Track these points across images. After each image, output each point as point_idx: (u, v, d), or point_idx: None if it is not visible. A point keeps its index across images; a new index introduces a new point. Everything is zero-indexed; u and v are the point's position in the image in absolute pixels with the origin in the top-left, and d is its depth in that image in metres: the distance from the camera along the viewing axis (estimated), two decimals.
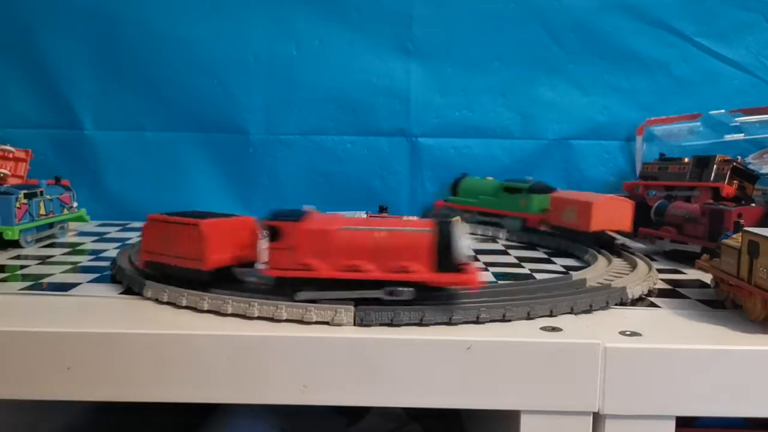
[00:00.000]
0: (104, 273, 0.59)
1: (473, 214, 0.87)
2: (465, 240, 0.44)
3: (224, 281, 0.49)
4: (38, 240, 0.75)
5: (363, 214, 0.74)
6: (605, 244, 0.68)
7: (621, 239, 0.71)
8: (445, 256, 0.43)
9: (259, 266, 0.50)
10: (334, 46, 0.95)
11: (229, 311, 0.46)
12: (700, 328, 0.46)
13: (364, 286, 0.44)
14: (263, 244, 0.47)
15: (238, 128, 0.96)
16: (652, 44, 0.95)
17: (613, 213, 0.68)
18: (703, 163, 0.77)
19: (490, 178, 0.90)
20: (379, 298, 0.44)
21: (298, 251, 0.44)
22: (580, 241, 0.71)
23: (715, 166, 0.75)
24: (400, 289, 0.44)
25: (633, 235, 0.72)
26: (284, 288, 0.46)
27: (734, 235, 0.50)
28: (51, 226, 0.77)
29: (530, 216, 0.80)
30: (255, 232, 0.51)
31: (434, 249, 0.43)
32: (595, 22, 0.94)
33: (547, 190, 0.79)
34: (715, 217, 0.64)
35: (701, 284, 0.59)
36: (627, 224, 0.68)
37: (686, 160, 0.80)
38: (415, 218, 0.48)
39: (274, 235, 0.45)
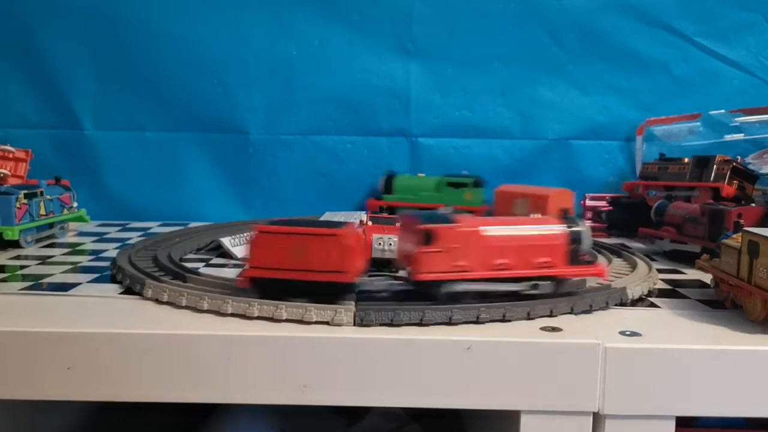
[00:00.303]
0: (104, 273, 0.59)
1: (407, 210, 0.88)
2: (589, 237, 0.49)
3: (355, 292, 0.48)
4: (38, 240, 0.75)
5: (363, 215, 0.74)
6: None
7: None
8: (575, 251, 0.48)
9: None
10: (334, 47, 0.95)
11: (229, 311, 0.46)
12: (700, 328, 0.46)
13: (506, 281, 0.48)
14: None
15: (238, 128, 0.96)
16: (652, 44, 0.95)
17: (561, 203, 0.74)
18: (703, 163, 0.77)
19: (422, 175, 0.92)
20: (517, 291, 0.48)
21: (452, 253, 0.46)
22: None
23: (715, 166, 0.75)
24: (543, 283, 0.48)
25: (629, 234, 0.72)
26: (431, 291, 0.46)
27: (734, 235, 0.50)
28: (51, 226, 0.77)
29: (476, 208, 0.86)
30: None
31: (568, 245, 0.48)
32: (595, 22, 0.94)
33: (485, 183, 0.88)
34: (715, 217, 0.64)
35: (701, 284, 0.59)
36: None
37: (686, 160, 0.80)
38: (540, 216, 0.52)
39: (428, 239, 0.45)
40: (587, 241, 0.49)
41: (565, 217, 0.49)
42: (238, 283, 0.47)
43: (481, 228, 0.47)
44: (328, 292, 0.46)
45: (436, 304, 0.45)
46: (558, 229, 0.48)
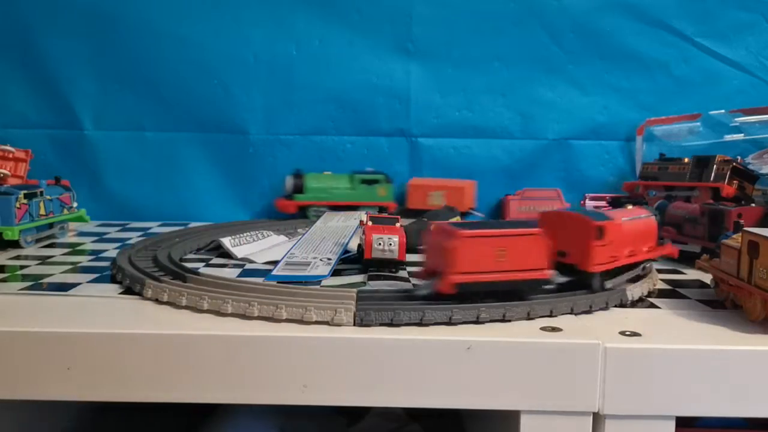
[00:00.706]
0: (104, 273, 0.59)
1: (321, 209, 0.90)
2: None
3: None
4: (38, 240, 0.75)
5: (363, 215, 0.73)
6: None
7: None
8: (660, 235, 0.58)
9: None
10: (334, 47, 0.95)
11: (229, 311, 0.46)
12: (700, 328, 0.46)
13: (629, 267, 0.54)
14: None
15: (238, 128, 0.96)
16: (652, 44, 0.95)
17: (471, 194, 0.91)
18: (703, 163, 0.77)
19: (328, 173, 0.93)
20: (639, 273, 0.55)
21: (612, 246, 0.51)
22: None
23: (714, 166, 0.75)
24: (648, 265, 0.57)
25: None
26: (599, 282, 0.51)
27: (734, 236, 0.50)
28: (51, 226, 0.77)
29: (388, 204, 0.91)
30: None
31: (656, 231, 0.57)
32: (595, 22, 0.94)
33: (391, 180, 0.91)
34: (715, 217, 0.64)
35: (701, 284, 0.59)
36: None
37: (686, 160, 0.80)
38: (631, 207, 0.58)
39: (600, 234, 0.49)
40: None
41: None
42: (441, 287, 0.46)
43: (623, 220, 0.52)
44: (528, 290, 0.48)
45: (436, 304, 0.45)
46: (650, 216, 0.56)
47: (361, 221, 0.65)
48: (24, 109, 0.95)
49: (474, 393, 0.42)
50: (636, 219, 0.54)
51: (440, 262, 0.46)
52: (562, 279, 0.51)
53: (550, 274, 0.48)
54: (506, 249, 0.46)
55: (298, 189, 0.91)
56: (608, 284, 0.51)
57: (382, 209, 0.90)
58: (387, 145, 0.97)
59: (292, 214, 0.91)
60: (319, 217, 0.86)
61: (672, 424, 0.43)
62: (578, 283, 0.51)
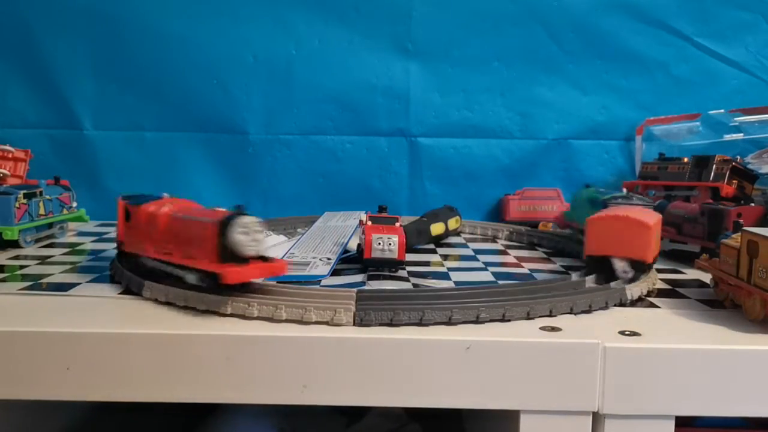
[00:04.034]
0: (103, 273, 0.59)
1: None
2: None
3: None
4: (37, 240, 0.75)
5: (363, 215, 0.73)
6: None
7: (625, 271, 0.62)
8: None
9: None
10: (334, 46, 0.95)
11: (229, 311, 0.46)
12: (700, 328, 0.46)
13: None
14: None
15: (237, 128, 0.96)
16: (651, 44, 0.95)
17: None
18: (702, 162, 0.77)
19: (593, 188, 0.78)
20: None
21: None
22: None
23: (714, 165, 0.75)
24: None
25: None
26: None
27: (734, 235, 0.50)
28: (50, 226, 0.77)
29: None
30: None
31: None
32: (594, 22, 0.94)
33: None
34: (715, 216, 0.64)
35: (701, 284, 0.59)
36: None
37: (685, 159, 0.80)
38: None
39: None
40: None
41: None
42: None
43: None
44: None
45: (436, 304, 0.45)
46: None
47: (360, 221, 0.65)
48: (23, 109, 0.95)
49: (474, 393, 0.42)
50: (177, 216, 0.51)
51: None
52: None
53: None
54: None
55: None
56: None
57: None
58: (386, 145, 0.97)
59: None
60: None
61: (671, 424, 0.43)
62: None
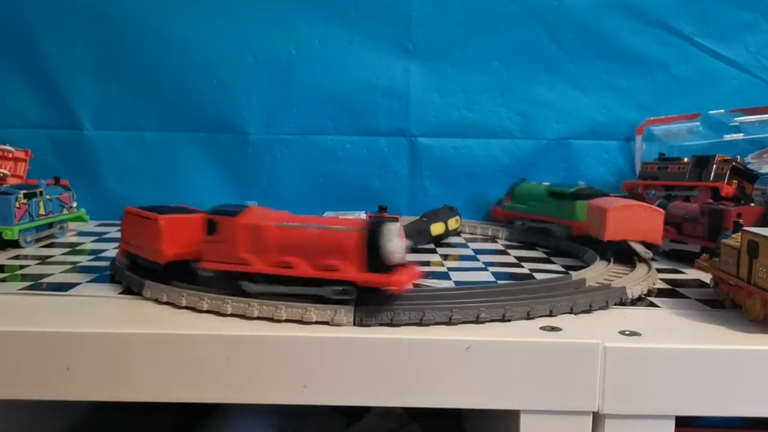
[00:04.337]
0: (104, 273, 0.59)
1: (521, 221, 0.84)
2: None
3: None
4: (38, 240, 0.75)
5: (362, 215, 0.73)
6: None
7: (645, 253, 0.62)
8: None
9: None
10: (334, 46, 0.95)
11: (229, 311, 0.46)
12: (700, 327, 0.46)
13: None
14: None
15: (237, 128, 0.96)
16: (651, 44, 0.95)
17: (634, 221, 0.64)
18: (702, 162, 0.77)
19: (546, 184, 0.84)
20: None
21: None
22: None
23: (714, 165, 0.75)
24: None
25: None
26: None
27: (734, 235, 0.50)
28: (50, 226, 0.77)
29: (574, 223, 0.73)
30: None
31: None
32: (594, 22, 0.94)
33: (594, 195, 0.72)
34: (715, 216, 0.64)
35: (701, 284, 0.59)
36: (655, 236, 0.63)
37: (685, 159, 0.80)
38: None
39: None
40: None
41: None
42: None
43: None
44: None
45: (436, 304, 0.45)
46: None
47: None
48: (23, 109, 0.95)
49: (474, 393, 0.42)
50: (297, 226, 0.47)
51: None
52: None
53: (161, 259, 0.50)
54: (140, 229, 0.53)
55: (511, 197, 0.88)
56: None
57: (569, 228, 0.75)
58: (386, 145, 0.97)
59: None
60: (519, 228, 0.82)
61: (671, 424, 0.43)
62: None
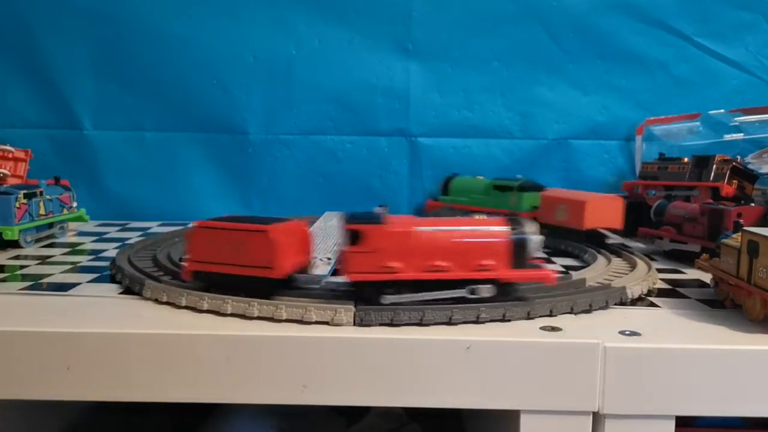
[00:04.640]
0: (104, 273, 0.59)
1: (463, 213, 0.88)
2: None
3: None
4: (38, 240, 0.75)
5: None
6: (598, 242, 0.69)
7: (614, 237, 0.68)
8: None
9: None
10: (334, 46, 0.95)
11: (229, 311, 0.46)
12: (700, 327, 0.46)
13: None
14: None
15: (237, 128, 0.96)
16: (651, 44, 0.95)
17: (606, 211, 0.70)
18: (702, 162, 0.77)
19: (481, 177, 0.90)
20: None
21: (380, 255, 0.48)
22: (571, 239, 0.72)
23: (714, 165, 0.75)
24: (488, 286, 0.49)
25: (628, 233, 0.71)
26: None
27: (734, 235, 0.50)
28: (50, 226, 0.77)
29: (521, 214, 0.77)
30: None
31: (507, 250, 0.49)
32: (594, 22, 0.94)
33: (537, 188, 0.80)
34: (715, 216, 0.64)
35: (701, 284, 0.59)
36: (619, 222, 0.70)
37: (686, 159, 0.80)
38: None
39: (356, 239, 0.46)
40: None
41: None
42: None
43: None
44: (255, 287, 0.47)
45: (436, 304, 0.45)
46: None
47: None
48: (23, 109, 0.95)
49: (474, 393, 0.42)
50: (449, 230, 0.47)
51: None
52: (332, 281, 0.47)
53: (278, 273, 0.46)
54: (242, 243, 0.46)
55: (446, 190, 0.92)
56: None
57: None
58: (386, 145, 0.97)
59: None
60: None
61: (672, 424, 0.43)
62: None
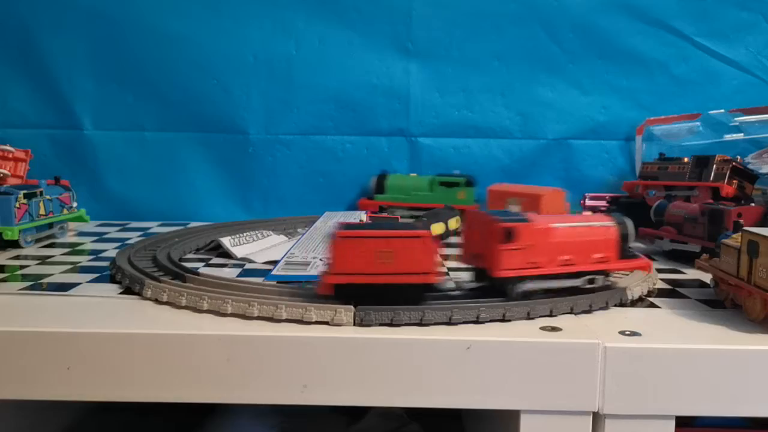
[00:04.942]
0: (104, 273, 0.59)
1: (401, 210, 0.91)
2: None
3: None
4: (38, 240, 0.75)
5: (363, 215, 0.74)
6: None
7: None
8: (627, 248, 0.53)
9: None
10: (334, 46, 0.95)
11: (229, 311, 0.46)
12: (700, 328, 0.46)
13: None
14: None
15: (237, 128, 0.96)
16: (651, 44, 0.95)
17: (556, 203, 0.79)
18: (702, 162, 0.77)
19: (414, 174, 0.93)
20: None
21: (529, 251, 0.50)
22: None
23: (714, 165, 0.75)
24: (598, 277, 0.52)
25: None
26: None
27: (734, 235, 0.50)
28: (51, 226, 0.77)
29: (467, 207, 0.84)
30: None
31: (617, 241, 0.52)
32: (594, 22, 0.94)
33: (474, 183, 0.90)
34: (715, 216, 0.64)
35: (701, 284, 0.59)
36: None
37: (686, 159, 0.80)
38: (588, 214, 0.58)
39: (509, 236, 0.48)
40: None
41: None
42: (319, 288, 0.45)
43: (552, 225, 0.49)
44: (413, 294, 0.46)
45: (436, 304, 0.45)
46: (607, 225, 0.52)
47: (360, 221, 0.65)
48: (23, 109, 0.95)
49: (474, 393, 0.42)
50: (575, 225, 0.50)
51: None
52: (474, 284, 0.49)
53: (438, 278, 0.46)
54: (392, 251, 0.44)
55: (380, 189, 0.92)
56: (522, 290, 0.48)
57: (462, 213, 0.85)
58: (387, 145, 0.97)
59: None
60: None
61: (672, 424, 0.43)
62: (492, 289, 0.48)
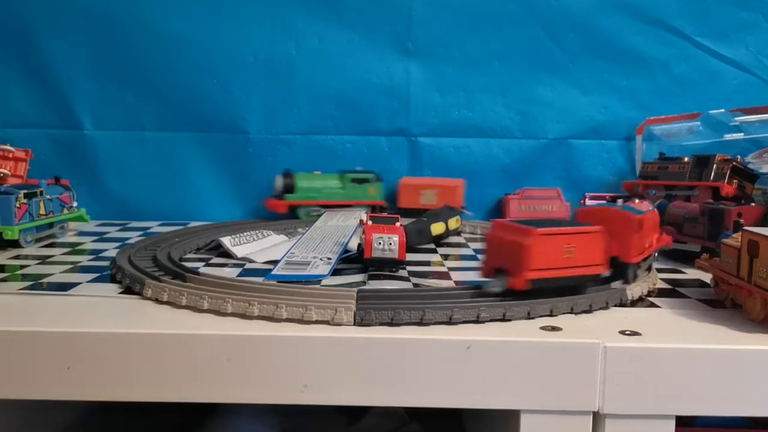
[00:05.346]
0: (104, 273, 0.59)
1: (312, 209, 0.90)
2: None
3: None
4: (38, 240, 0.75)
5: (363, 214, 0.73)
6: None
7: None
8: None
9: None
10: (334, 46, 0.95)
11: (229, 311, 0.46)
12: (700, 327, 0.46)
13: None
14: None
15: (237, 128, 0.96)
16: (651, 44, 0.95)
17: (461, 193, 0.91)
18: (702, 162, 0.77)
19: (318, 172, 0.92)
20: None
21: (645, 237, 0.57)
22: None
23: (714, 165, 0.75)
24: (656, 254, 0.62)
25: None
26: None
27: (734, 235, 0.50)
28: (51, 225, 0.77)
29: (379, 203, 0.91)
30: None
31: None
32: (594, 22, 0.94)
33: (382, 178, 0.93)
34: (715, 216, 0.64)
35: (701, 284, 0.59)
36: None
37: (686, 159, 0.80)
38: (638, 201, 0.61)
39: (640, 226, 0.55)
40: None
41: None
42: (515, 284, 0.47)
43: (646, 212, 0.57)
44: (587, 285, 0.51)
45: (436, 304, 0.45)
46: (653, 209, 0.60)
47: (361, 220, 0.65)
48: (24, 109, 0.95)
49: (474, 392, 0.42)
50: (650, 211, 0.58)
51: (510, 259, 0.47)
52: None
53: (606, 269, 0.51)
54: (574, 246, 0.48)
55: (289, 189, 0.90)
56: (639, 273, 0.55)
57: (374, 208, 0.90)
58: (387, 145, 0.97)
59: (283, 213, 0.89)
60: (310, 216, 0.87)
61: (672, 424, 0.43)
62: (614, 274, 0.53)
